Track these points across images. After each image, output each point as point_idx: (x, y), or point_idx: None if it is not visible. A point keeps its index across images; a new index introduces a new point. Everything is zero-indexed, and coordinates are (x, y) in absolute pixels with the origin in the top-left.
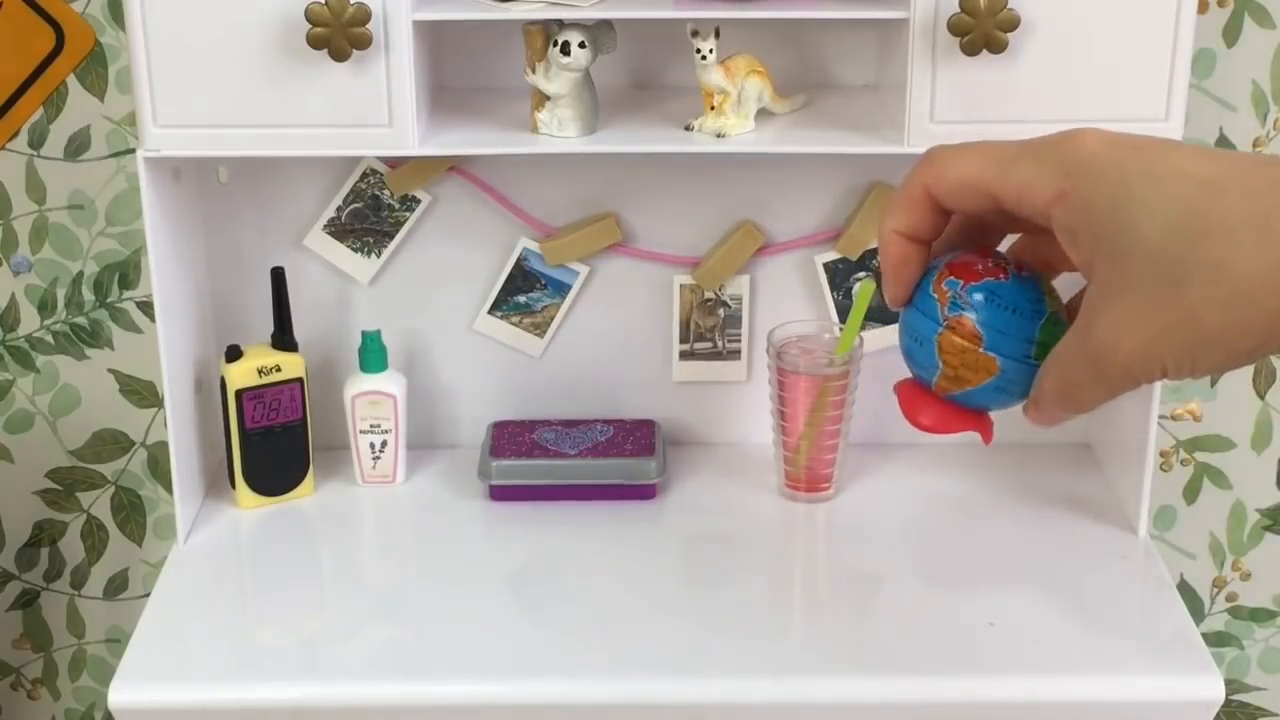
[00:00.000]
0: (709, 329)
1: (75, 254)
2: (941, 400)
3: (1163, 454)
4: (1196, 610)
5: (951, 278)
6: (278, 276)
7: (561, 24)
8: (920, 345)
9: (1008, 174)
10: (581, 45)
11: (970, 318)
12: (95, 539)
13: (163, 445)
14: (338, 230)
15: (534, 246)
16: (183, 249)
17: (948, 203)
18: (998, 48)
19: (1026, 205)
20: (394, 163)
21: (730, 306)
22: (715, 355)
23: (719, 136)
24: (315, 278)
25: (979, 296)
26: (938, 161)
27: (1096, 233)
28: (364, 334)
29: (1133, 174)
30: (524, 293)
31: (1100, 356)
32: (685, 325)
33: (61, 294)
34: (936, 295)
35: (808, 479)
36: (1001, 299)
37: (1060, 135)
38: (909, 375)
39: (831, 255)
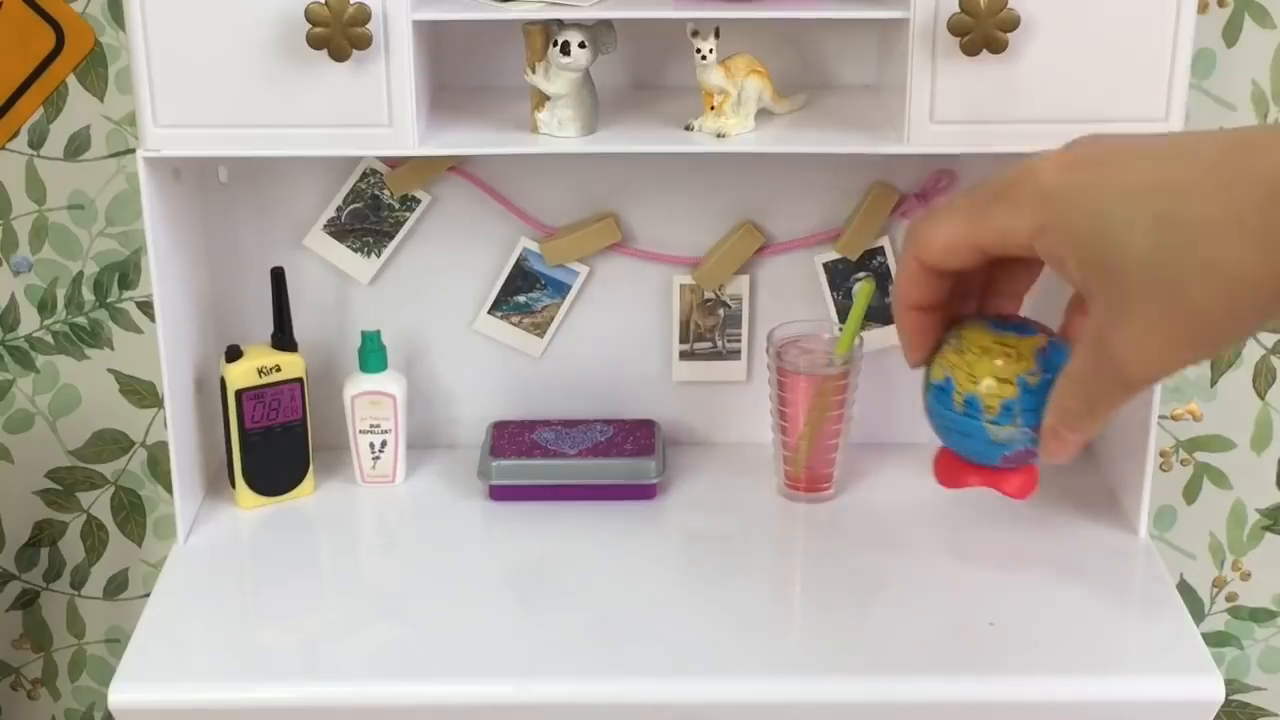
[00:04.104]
0: (709, 329)
1: (75, 254)
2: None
3: (1163, 454)
4: (1196, 610)
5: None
6: (278, 276)
7: (561, 24)
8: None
9: (984, 224)
10: (581, 45)
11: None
12: (95, 539)
13: (163, 445)
14: (338, 230)
15: (534, 246)
16: (183, 249)
17: (943, 267)
18: (998, 48)
19: (1011, 247)
20: (394, 163)
21: (730, 306)
22: (715, 355)
23: (719, 136)
24: (315, 278)
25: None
26: (920, 234)
27: (1086, 257)
28: (364, 334)
29: (1104, 195)
30: (524, 293)
31: (1124, 369)
32: (685, 325)
33: (61, 294)
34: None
35: (808, 479)
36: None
37: (1017, 172)
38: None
39: (831, 255)
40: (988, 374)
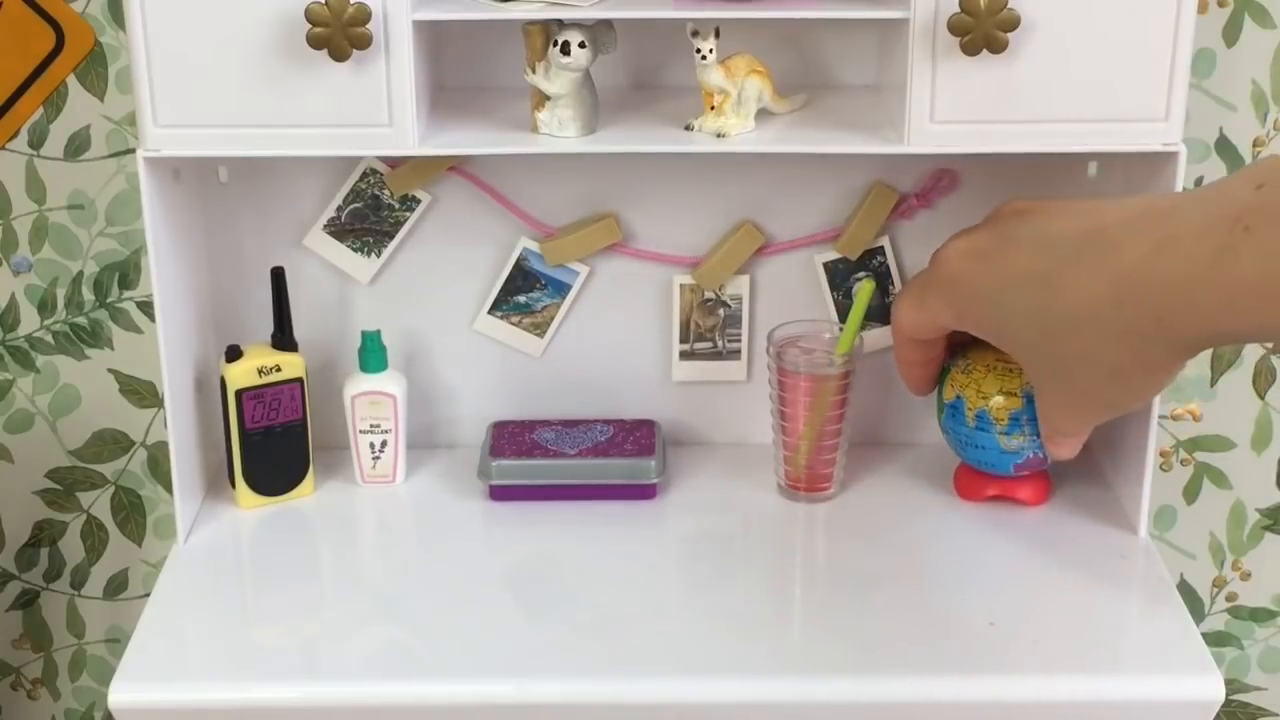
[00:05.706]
0: (709, 329)
1: (75, 254)
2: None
3: (1163, 454)
4: (1196, 610)
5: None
6: (278, 276)
7: (561, 24)
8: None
9: (924, 312)
10: (581, 45)
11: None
12: (95, 539)
13: (163, 445)
14: (338, 230)
15: (534, 246)
16: (183, 249)
17: (919, 339)
18: (998, 48)
19: (948, 329)
20: (394, 163)
21: (730, 306)
22: (715, 355)
23: (719, 136)
24: (315, 278)
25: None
26: (894, 315)
27: (995, 339)
28: (364, 334)
29: (993, 284)
30: (524, 293)
31: (1052, 426)
32: (685, 325)
33: (61, 294)
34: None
35: (808, 479)
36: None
37: (936, 262)
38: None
39: (831, 255)
40: (994, 390)
